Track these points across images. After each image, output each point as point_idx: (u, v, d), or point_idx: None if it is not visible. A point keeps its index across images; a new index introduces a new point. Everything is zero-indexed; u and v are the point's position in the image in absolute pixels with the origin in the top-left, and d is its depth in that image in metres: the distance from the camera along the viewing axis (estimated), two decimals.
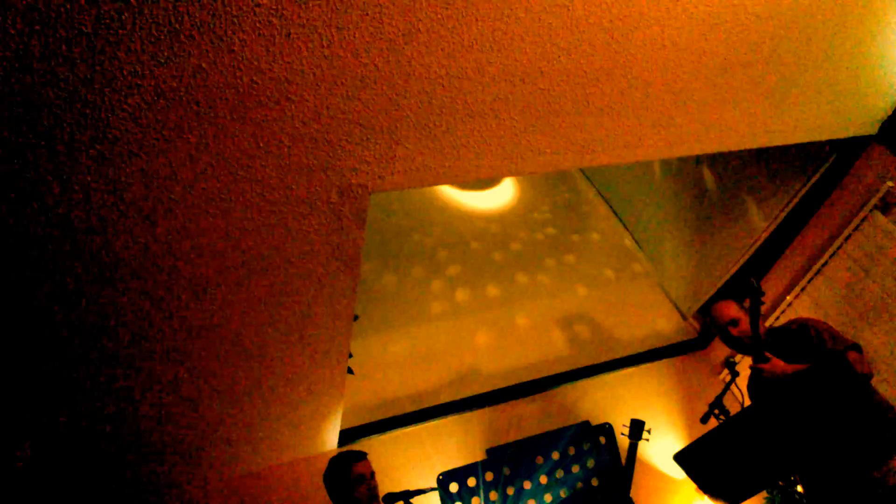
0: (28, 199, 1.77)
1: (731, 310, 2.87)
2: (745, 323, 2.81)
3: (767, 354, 2.70)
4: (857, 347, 2.62)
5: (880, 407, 2.63)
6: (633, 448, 3.62)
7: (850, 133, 3.28)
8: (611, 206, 5.30)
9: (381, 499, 2.80)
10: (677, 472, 3.74)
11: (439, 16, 1.85)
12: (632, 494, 3.62)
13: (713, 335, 4.33)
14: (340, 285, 2.52)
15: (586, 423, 3.90)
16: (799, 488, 3.30)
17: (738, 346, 2.87)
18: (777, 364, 2.68)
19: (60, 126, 1.66)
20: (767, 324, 2.83)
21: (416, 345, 4.14)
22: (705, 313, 4.41)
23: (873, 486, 2.54)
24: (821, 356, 2.62)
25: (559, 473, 3.74)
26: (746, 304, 2.74)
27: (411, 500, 2.80)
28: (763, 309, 2.80)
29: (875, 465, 2.55)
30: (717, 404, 2.97)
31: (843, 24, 2.62)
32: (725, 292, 4.17)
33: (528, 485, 3.67)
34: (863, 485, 2.56)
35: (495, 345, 4.24)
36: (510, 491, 3.64)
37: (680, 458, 2.83)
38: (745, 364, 3.89)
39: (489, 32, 1.96)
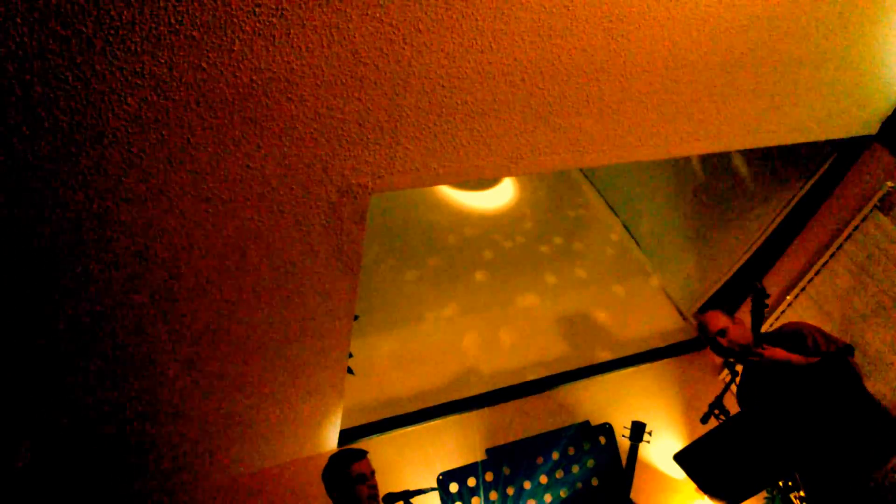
0: (28, 198, 1.77)
1: (720, 320, 2.89)
2: (733, 332, 2.84)
3: (760, 350, 2.73)
4: (850, 349, 2.64)
5: (879, 408, 2.64)
6: (633, 450, 3.62)
7: (851, 133, 3.28)
8: (610, 206, 5.30)
9: (381, 499, 2.80)
10: (677, 472, 3.74)
11: (439, 16, 1.85)
12: (632, 494, 3.62)
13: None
14: (340, 285, 2.52)
15: (586, 423, 3.90)
16: (801, 493, 3.29)
17: (729, 354, 2.89)
18: (776, 351, 2.70)
19: (60, 126, 1.66)
20: (763, 329, 2.85)
21: (415, 345, 4.13)
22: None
23: (873, 487, 2.54)
24: (823, 355, 2.62)
25: (559, 473, 3.75)
26: (744, 308, 2.75)
27: (411, 500, 2.79)
28: (764, 311, 2.83)
29: (875, 466, 2.55)
30: (717, 404, 2.97)
31: (844, 24, 2.62)
32: (726, 292, 4.17)
33: (528, 485, 3.67)
34: (862, 485, 2.56)
35: (495, 344, 4.24)
36: (510, 491, 3.64)
37: (680, 458, 2.83)
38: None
39: (489, 32, 1.96)
